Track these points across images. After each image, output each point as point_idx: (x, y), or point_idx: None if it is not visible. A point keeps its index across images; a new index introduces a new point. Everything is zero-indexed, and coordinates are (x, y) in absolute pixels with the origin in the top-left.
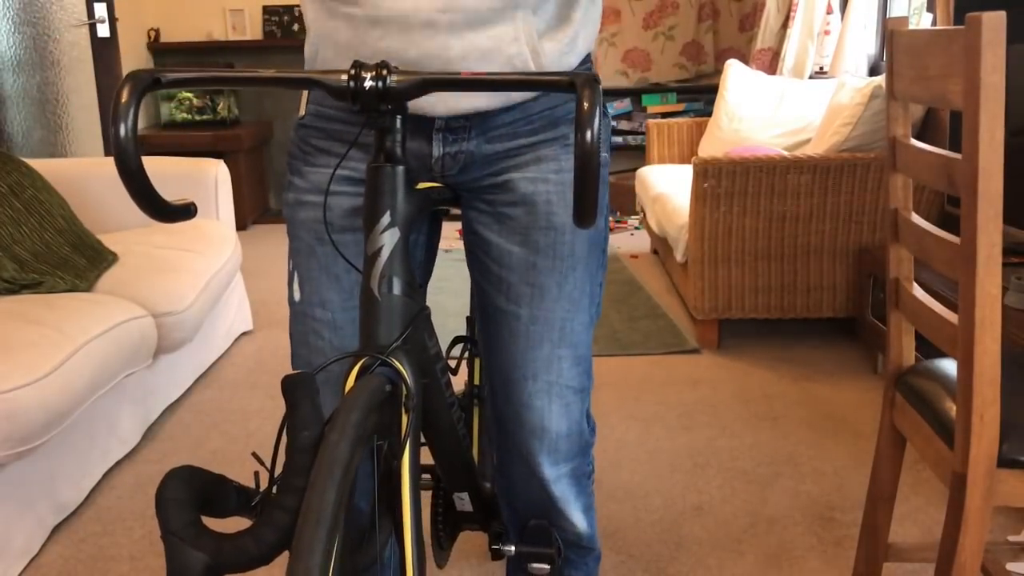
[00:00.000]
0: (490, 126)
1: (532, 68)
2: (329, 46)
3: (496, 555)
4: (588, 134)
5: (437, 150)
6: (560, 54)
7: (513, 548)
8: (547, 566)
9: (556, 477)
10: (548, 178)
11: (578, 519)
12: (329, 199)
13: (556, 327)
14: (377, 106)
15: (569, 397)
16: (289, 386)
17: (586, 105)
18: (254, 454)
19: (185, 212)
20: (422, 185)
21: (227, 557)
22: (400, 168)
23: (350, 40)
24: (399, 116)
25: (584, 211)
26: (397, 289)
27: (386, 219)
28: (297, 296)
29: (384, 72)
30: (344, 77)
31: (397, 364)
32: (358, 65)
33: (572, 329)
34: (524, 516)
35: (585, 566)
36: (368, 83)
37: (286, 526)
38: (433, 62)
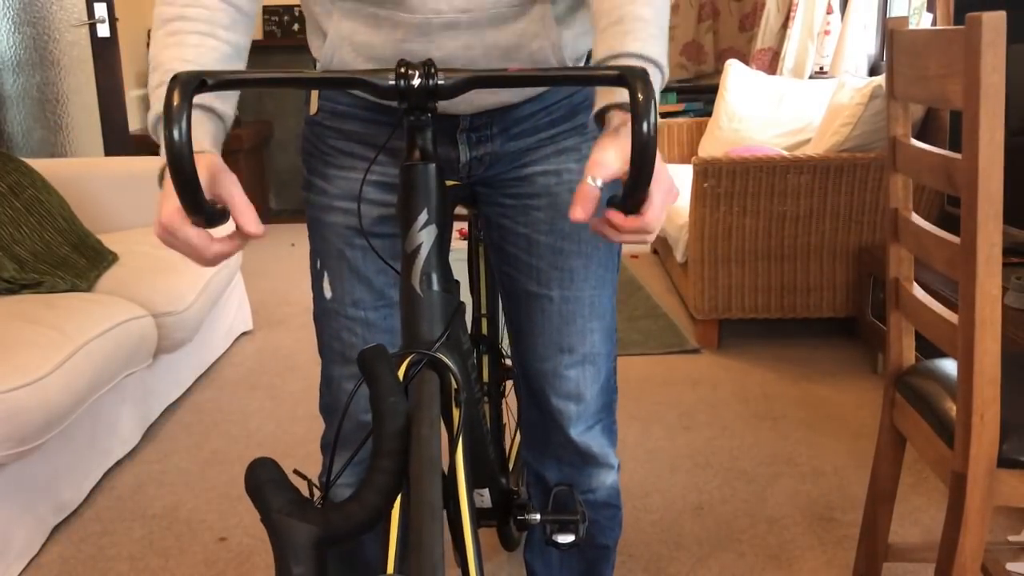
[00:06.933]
0: (512, 121)
1: (552, 61)
2: (347, 48)
3: (521, 526)
4: (644, 125)
5: (464, 155)
6: (575, 38)
7: (538, 516)
8: (572, 536)
9: (589, 433)
10: (570, 167)
11: (611, 473)
12: (362, 207)
13: (586, 304)
14: (425, 104)
15: (600, 363)
16: (368, 358)
17: (641, 97)
18: (296, 471)
19: (222, 217)
20: (448, 183)
21: (336, 526)
22: (433, 166)
23: (370, 41)
24: (429, 114)
25: (637, 200)
26: (437, 285)
27: (423, 217)
28: (328, 294)
29: (432, 70)
30: (391, 76)
31: (445, 359)
32: (405, 64)
33: (600, 303)
34: (556, 485)
35: (618, 527)
36: (416, 81)
37: (387, 488)
38: (455, 63)
